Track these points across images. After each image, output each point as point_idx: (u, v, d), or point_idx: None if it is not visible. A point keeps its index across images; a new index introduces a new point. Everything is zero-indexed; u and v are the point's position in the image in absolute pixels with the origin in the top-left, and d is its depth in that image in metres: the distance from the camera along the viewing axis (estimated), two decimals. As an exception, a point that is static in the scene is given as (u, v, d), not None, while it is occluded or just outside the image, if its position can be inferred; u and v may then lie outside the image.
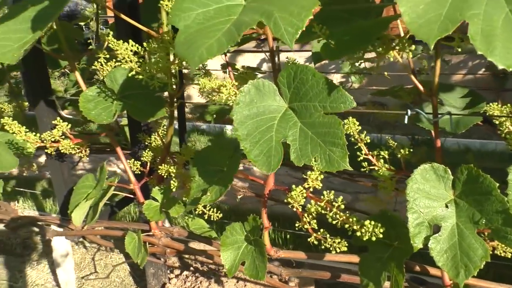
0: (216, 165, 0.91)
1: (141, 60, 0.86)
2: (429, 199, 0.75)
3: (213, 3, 0.70)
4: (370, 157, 0.96)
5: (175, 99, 1.04)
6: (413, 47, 0.78)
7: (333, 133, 0.70)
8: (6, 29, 0.87)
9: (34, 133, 1.10)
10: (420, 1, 0.59)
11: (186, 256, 1.90)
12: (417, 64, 3.29)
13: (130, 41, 0.89)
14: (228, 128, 4.25)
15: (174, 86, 1.02)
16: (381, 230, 0.78)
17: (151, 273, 1.71)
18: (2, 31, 0.86)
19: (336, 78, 4.30)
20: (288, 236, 2.08)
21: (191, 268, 1.88)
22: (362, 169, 0.95)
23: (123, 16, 0.96)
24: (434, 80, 0.85)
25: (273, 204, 2.62)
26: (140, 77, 0.85)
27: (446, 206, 0.74)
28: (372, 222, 0.79)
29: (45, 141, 1.09)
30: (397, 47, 0.78)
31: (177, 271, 1.89)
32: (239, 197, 1.52)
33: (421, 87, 0.86)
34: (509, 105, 1.02)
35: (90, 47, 2.28)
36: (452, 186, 0.75)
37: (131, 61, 0.84)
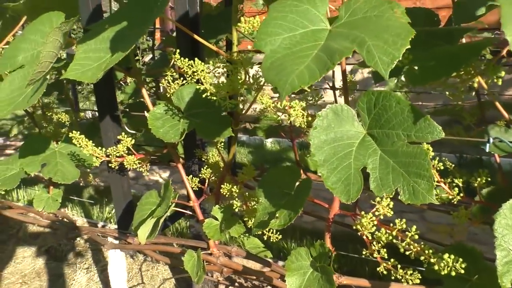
0: (283, 188, 0.90)
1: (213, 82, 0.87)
2: (519, 236, 0.70)
3: (299, 27, 0.69)
4: (442, 184, 0.93)
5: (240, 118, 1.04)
6: (502, 73, 0.75)
7: (419, 164, 0.67)
8: (87, 48, 0.90)
9: (100, 148, 1.12)
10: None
11: (231, 271, 1.88)
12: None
13: (193, 63, 0.90)
14: (268, 141, 4.24)
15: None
16: (463, 266, 0.74)
17: (197, 288, 1.71)
18: (83, 50, 0.89)
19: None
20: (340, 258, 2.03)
21: (236, 284, 1.87)
22: (435, 197, 0.92)
23: (186, 30, 0.98)
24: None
25: (315, 220, 2.57)
26: (214, 98, 0.86)
27: (538, 245, 0.70)
28: (452, 256, 0.76)
29: (110, 156, 1.12)
30: (484, 74, 0.75)
31: (222, 286, 1.88)
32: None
33: (506, 115, 0.83)
34: None
35: (143, 60, 2.34)
36: (544, 223, 0.71)
37: (206, 82, 0.84)
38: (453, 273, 0.75)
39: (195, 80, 0.96)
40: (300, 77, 0.59)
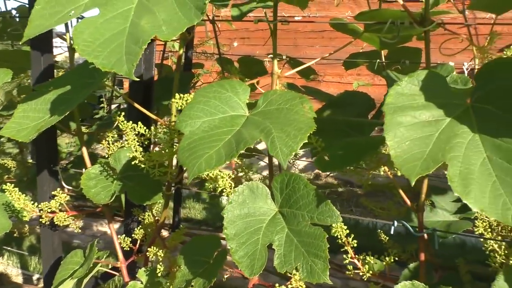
0: (203, 256, 0.93)
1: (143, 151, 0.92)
2: (408, 317, 0.76)
3: (219, 112, 0.77)
4: (355, 261, 0.99)
5: (173, 184, 1.08)
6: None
7: (317, 245, 0.73)
8: (27, 108, 0.94)
9: (32, 202, 1.13)
10: (406, 138, 0.65)
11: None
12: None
13: (136, 126, 0.95)
14: (223, 199, 4.24)
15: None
16: None
17: None
18: (23, 109, 0.94)
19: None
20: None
21: None
22: (348, 272, 0.97)
23: (136, 105, 1.04)
24: (420, 197, 0.90)
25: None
26: (143, 166, 0.90)
27: (424, 327, 0.76)
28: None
29: (41, 211, 1.12)
30: (387, 165, 0.84)
31: None
32: (225, 276, 1.51)
33: (409, 203, 0.91)
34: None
35: (101, 112, 2.38)
36: (430, 306, 0.77)
37: (136, 151, 0.89)
38: None
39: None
40: (208, 161, 0.65)
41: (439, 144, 0.63)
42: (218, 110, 0.77)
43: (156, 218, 1.18)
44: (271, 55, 1.56)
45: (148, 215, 1.25)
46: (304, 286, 0.88)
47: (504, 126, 0.62)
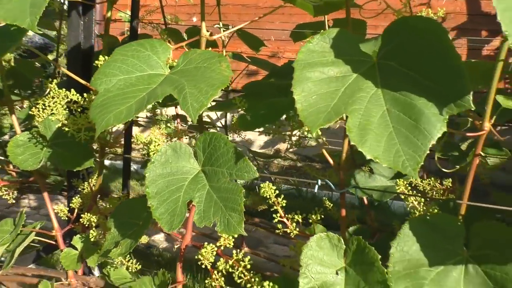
0: (133, 219, 0.94)
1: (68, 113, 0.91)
2: (322, 265, 0.80)
3: (137, 71, 0.77)
4: (285, 219, 1.02)
5: (106, 150, 1.08)
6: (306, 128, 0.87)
7: (234, 200, 0.76)
8: None
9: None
10: (313, 92, 0.68)
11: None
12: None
13: (69, 94, 0.94)
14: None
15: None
16: (277, 292, 0.83)
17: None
18: None
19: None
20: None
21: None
22: (277, 231, 1.00)
23: (70, 74, 1.02)
24: (341, 155, 0.94)
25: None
26: (67, 129, 0.89)
27: (337, 273, 0.80)
28: (271, 284, 0.84)
29: (-31, 181, 1.09)
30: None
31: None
32: (176, 246, 1.53)
33: (331, 161, 0.95)
34: (432, 178, 1.13)
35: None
36: (344, 254, 0.82)
37: (59, 114, 0.88)
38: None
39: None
40: (117, 116, 0.65)
41: (344, 98, 0.66)
42: (136, 68, 0.77)
43: (93, 186, 1.17)
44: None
45: (87, 185, 1.24)
46: (232, 243, 0.92)
47: (404, 81, 0.66)
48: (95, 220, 1.04)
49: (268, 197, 0.97)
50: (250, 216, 1.69)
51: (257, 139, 4.81)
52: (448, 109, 0.60)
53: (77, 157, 1.01)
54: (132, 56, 0.78)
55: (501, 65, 0.69)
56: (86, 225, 1.08)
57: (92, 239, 1.04)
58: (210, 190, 0.79)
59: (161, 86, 0.72)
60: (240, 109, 0.87)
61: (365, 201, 1.49)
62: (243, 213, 0.74)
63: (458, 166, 1.23)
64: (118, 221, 0.94)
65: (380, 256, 0.77)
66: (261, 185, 0.96)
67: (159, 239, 2.80)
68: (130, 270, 1.14)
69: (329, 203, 1.30)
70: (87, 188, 1.23)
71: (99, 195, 1.17)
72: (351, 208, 1.70)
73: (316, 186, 0.98)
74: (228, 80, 0.71)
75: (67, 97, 0.98)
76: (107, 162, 4.13)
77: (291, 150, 4.62)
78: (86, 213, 1.07)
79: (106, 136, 1.07)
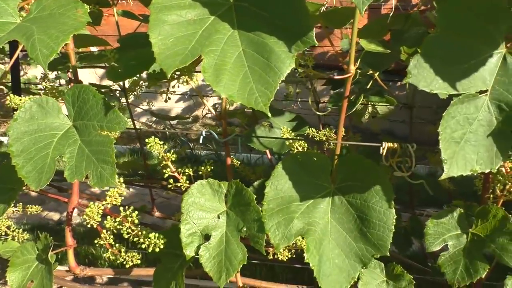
0: (7, 184, 0.89)
1: None
2: (203, 211, 0.83)
3: (-18, 20, 0.70)
4: (176, 174, 1.03)
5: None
6: (195, 75, 0.87)
7: (105, 151, 0.74)
8: None
9: None
10: (170, 35, 0.67)
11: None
12: (284, 90, 3.55)
13: None
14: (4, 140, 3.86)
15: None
16: (162, 242, 0.84)
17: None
18: None
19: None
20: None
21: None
22: (169, 186, 1.01)
23: None
24: (222, 105, 0.95)
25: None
26: None
27: (218, 217, 0.83)
28: (156, 235, 0.85)
29: None
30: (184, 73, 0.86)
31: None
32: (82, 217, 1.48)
33: (213, 111, 0.96)
34: (327, 129, 1.18)
35: None
36: (225, 199, 0.85)
37: None
38: (157, 249, 0.84)
39: None
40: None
41: (201, 40, 0.66)
42: (-18, 17, 0.70)
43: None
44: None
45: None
46: (119, 201, 0.91)
47: (258, 22, 0.67)
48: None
49: (157, 152, 0.96)
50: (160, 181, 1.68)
51: (174, 106, 4.70)
52: (296, 46, 0.63)
53: None
54: (-25, 3, 0.71)
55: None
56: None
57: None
58: (82, 145, 0.76)
59: (9, 34, 0.67)
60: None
61: (268, 155, 1.55)
62: (115, 165, 0.73)
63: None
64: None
65: (255, 196, 0.81)
66: (147, 140, 0.95)
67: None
68: (18, 241, 1.09)
69: (237, 162, 1.34)
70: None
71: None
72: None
73: (201, 137, 0.99)
74: (83, 25, 0.68)
75: None
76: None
77: (208, 115, 4.61)
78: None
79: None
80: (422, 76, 0.64)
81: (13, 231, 1.03)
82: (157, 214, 1.69)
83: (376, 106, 1.77)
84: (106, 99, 0.77)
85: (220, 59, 0.65)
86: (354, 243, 0.79)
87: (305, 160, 0.84)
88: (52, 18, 0.70)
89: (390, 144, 0.80)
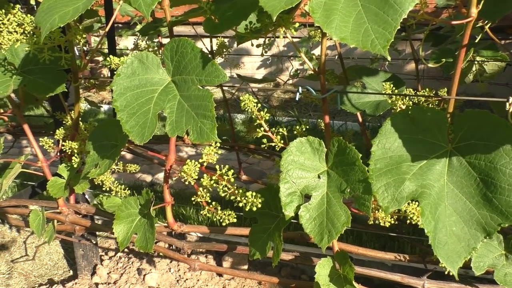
0: (111, 140, 0.92)
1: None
2: (303, 170, 0.78)
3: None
4: (269, 133, 0.99)
5: (80, 75, 1.03)
6: (296, 24, 0.80)
7: (205, 106, 0.72)
8: None
9: None
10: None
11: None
12: (369, 54, 3.34)
13: (14, 10, 0.88)
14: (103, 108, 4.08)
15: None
16: (260, 201, 0.82)
17: (80, 255, 1.70)
18: None
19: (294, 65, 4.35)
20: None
21: (126, 250, 1.89)
22: (262, 145, 0.98)
23: None
24: (321, 59, 0.88)
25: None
26: (27, 48, 0.85)
27: (319, 177, 0.78)
28: (254, 194, 0.83)
29: None
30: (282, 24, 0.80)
31: (111, 253, 1.89)
32: (174, 178, 1.53)
33: (311, 66, 0.90)
34: (427, 89, 1.07)
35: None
36: (326, 158, 0.79)
37: (16, 32, 0.83)
38: (254, 208, 0.82)
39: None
40: (62, 17, 0.60)
41: (308, -20, 0.60)
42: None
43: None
44: None
45: (71, 116, 1.21)
46: (215, 159, 0.90)
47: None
48: (77, 147, 1.02)
49: (250, 111, 0.93)
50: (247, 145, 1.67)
51: (256, 73, 4.69)
52: (421, -23, 0.54)
53: (50, 83, 0.97)
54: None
55: None
56: (70, 154, 1.07)
57: (75, 166, 1.03)
58: (181, 100, 0.75)
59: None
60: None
61: (360, 119, 1.46)
62: (215, 119, 0.71)
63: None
64: (96, 144, 0.92)
65: (361, 155, 0.74)
66: (241, 97, 0.92)
67: (162, 177, 2.84)
68: (120, 197, 1.15)
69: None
70: (69, 120, 1.20)
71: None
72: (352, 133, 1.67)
73: (298, 94, 0.94)
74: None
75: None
76: (106, 107, 4.08)
77: (290, 82, 4.53)
78: (67, 141, 1.05)
79: (76, 61, 1.02)
80: None
81: (116, 186, 1.08)
82: (244, 177, 1.70)
83: (483, 64, 1.57)
84: (204, 52, 0.74)
85: (329, -2, 0.58)
86: (475, 209, 0.70)
87: (418, 116, 0.75)
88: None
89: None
